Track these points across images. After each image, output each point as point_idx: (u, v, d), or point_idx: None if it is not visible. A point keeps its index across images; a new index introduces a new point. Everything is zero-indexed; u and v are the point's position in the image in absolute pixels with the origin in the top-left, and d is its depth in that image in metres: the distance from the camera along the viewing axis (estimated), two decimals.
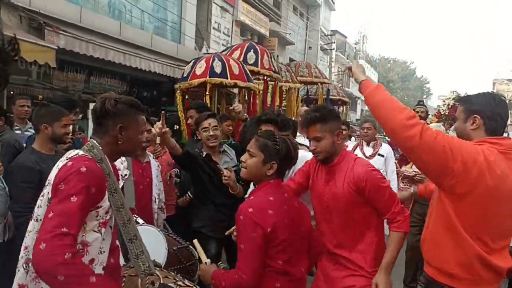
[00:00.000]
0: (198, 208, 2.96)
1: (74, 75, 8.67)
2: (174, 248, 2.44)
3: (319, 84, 7.93)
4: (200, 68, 4.65)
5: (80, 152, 1.50)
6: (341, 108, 10.05)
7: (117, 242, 1.63)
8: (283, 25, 17.73)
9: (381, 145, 4.61)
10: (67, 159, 1.47)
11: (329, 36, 25.61)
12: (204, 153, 2.89)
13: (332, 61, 26.27)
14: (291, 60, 18.57)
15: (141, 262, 1.56)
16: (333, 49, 25.86)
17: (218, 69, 4.54)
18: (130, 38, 8.41)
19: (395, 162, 5.15)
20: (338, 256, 2.06)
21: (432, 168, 1.79)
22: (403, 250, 4.30)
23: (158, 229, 2.41)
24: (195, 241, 2.06)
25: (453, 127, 7.48)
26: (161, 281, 1.59)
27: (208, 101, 4.61)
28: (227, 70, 4.54)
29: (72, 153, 1.51)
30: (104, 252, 1.49)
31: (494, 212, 1.77)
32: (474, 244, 1.77)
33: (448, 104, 10.54)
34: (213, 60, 4.61)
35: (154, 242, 2.26)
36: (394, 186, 4.40)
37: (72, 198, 1.35)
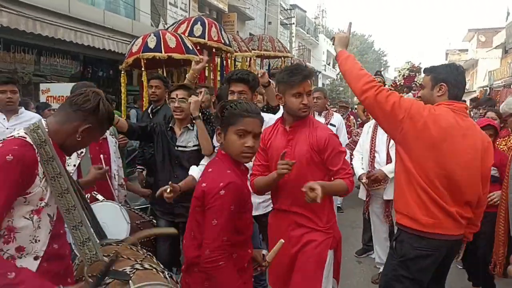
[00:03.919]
0: (153, 185, 2.94)
1: (22, 56, 8.20)
2: (136, 222, 2.45)
3: (282, 58, 7.93)
4: (136, 46, 4.59)
5: (20, 133, 1.43)
6: None
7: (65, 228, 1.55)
8: (242, 0, 17.43)
9: (332, 114, 4.68)
10: (1, 140, 1.40)
11: (289, 11, 25.48)
12: (170, 126, 2.80)
13: (293, 36, 26.24)
14: (251, 35, 18.40)
15: (87, 249, 1.48)
16: (293, 23, 25.79)
17: (152, 44, 4.47)
18: (80, 15, 8.01)
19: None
20: (293, 214, 2.15)
21: (386, 122, 2.14)
22: (361, 214, 4.52)
23: (119, 205, 2.39)
24: (281, 241, 1.90)
25: (407, 95, 7.75)
26: (113, 268, 1.52)
27: (145, 78, 4.51)
28: (162, 44, 4.46)
29: (13, 132, 1.45)
30: (38, 241, 1.42)
31: (441, 161, 2.02)
32: (428, 189, 2.02)
33: (403, 75, 10.89)
34: (149, 36, 4.55)
35: (115, 218, 2.25)
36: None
37: None
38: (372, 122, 3.88)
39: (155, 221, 2.76)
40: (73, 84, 6.11)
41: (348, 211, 5.84)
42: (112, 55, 8.61)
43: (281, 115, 2.32)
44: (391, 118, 2.07)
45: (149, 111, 3.86)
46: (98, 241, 1.60)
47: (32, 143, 1.40)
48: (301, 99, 2.10)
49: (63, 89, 5.61)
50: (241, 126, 1.63)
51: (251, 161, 1.73)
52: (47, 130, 1.46)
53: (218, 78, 5.89)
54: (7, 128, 3.04)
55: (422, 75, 10.51)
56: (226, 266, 1.56)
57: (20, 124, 3.00)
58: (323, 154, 2.11)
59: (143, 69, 4.50)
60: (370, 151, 3.66)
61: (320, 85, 32.96)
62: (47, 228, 1.45)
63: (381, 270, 3.82)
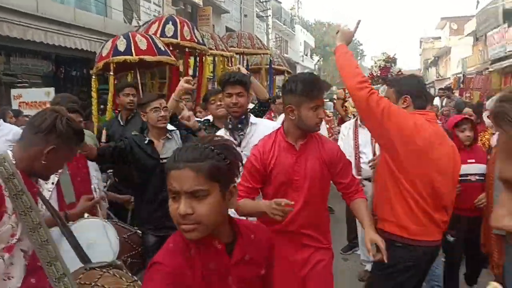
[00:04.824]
0: (136, 201, 2.86)
1: None
2: (124, 236, 2.41)
3: (261, 55, 7.90)
4: (106, 50, 4.45)
5: None
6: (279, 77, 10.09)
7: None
8: None
9: None
10: None
11: (264, 3, 25.33)
12: (147, 139, 2.69)
13: (269, 28, 26.14)
14: (227, 29, 18.20)
15: (63, 286, 1.40)
16: (269, 16, 25.68)
17: (122, 47, 4.35)
18: (50, 14, 7.71)
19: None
20: (301, 235, 2.05)
21: (374, 127, 2.13)
22: (344, 211, 4.56)
23: (105, 220, 2.34)
24: None
25: (383, 86, 7.80)
26: None
27: (112, 83, 4.43)
28: (132, 46, 4.35)
29: None
30: (12, 277, 1.37)
31: (427, 170, 2.05)
32: (416, 196, 2.04)
33: (379, 66, 11.04)
34: (119, 39, 4.44)
35: (103, 234, 2.19)
36: None
37: None
38: (350, 123, 3.88)
39: (140, 232, 2.69)
40: (45, 89, 5.95)
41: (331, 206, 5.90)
42: (85, 54, 8.36)
43: (280, 127, 2.13)
44: (379, 123, 2.05)
45: (119, 119, 3.71)
46: (79, 268, 1.55)
47: None
48: (318, 113, 1.98)
49: (36, 94, 5.41)
50: (168, 185, 1.11)
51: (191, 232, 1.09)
52: (14, 161, 1.40)
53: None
54: None
55: (398, 65, 10.74)
56: None
57: None
58: (335, 167, 2.05)
59: (111, 73, 4.38)
60: (355, 153, 3.66)
61: None
62: (21, 263, 1.40)
63: (367, 267, 3.88)
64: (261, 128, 2.55)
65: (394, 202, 2.08)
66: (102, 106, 5.61)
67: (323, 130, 4.74)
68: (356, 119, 3.83)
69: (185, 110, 3.06)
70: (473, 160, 2.95)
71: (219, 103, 3.03)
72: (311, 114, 1.96)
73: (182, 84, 2.85)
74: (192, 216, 1.06)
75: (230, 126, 2.62)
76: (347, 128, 3.85)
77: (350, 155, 3.70)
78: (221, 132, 2.67)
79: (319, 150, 2.04)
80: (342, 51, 2.23)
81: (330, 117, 6.42)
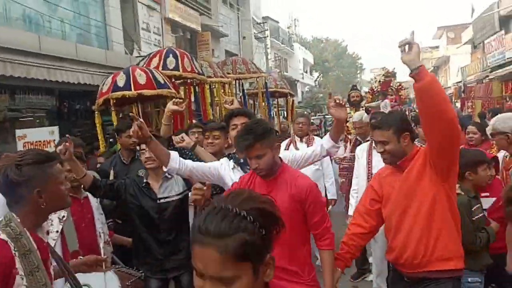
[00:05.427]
0: (135, 243, 2.86)
1: None
2: (127, 283, 2.39)
3: (256, 79, 7.98)
4: (106, 86, 4.52)
5: None
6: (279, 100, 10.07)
7: None
8: (214, 18, 17.51)
9: (313, 139, 4.61)
10: None
11: (262, 24, 25.73)
12: (144, 181, 2.74)
13: (268, 48, 26.46)
14: (227, 52, 18.46)
15: None
16: (267, 36, 26.03)
17: (121, 83, 4.39)
18: (51, 51, 7.88)
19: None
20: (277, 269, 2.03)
21: (455, 157, 2.01)
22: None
23: (108, 268, 2.32)
24: None
25: (383, 102, 7.51)
26: None
27: (114, 118, 4.50)
28: (131, 81, 4.39)
29: None
30: None
31: None
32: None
33: (379, 81, 11.10)
34: (118, 75, 4.51)
35: (106, 284, 2.18)
36: (331, 180, 4.50)
37: None
38: (366, 145, 3.82)
39: (143, 273, 2.68)
40: (49, 128, 6.03)
41: (338, 230, 5.79)
42: (88, 87, 8.48)
43: None
44: (457, 153, 2.02)
45: (121, 158, 3.71)
46: None
47: (7, 239, 1.34)
48: (252, 163, 2.05)
49: (40, 134, 5.46)
50: (192, 259, 0.96)
51: None
52: (19, 220, 1.39)
53: (194, 107, 5.91)
54: None
55: (398, 79, 10.65)
56: None
57: None
58: (304, 204, 2.06)
59: (112, 109, 4.45)
60: (368, 176, 3.60)
61: (299, 93, 33.19)
62: None
63: None
64: None
65: (456, 235, 2.05)
66: (111, 140, 5.65)
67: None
68: (371, 142, 3.79)
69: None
70: (487, 194, 2.74)
71: (210, 140, 3.03)
72: (249, 162, 2.10)
73: (169, 106, 2.88)
74: None
75: (241, 161, 2.55)
76: (361, 150, 3.82)
77: (363, 177, 3.67)
78: (226, 162, 2.61)
79: (290, 186, 2.06)
80: (434, 77, 1.93)
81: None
